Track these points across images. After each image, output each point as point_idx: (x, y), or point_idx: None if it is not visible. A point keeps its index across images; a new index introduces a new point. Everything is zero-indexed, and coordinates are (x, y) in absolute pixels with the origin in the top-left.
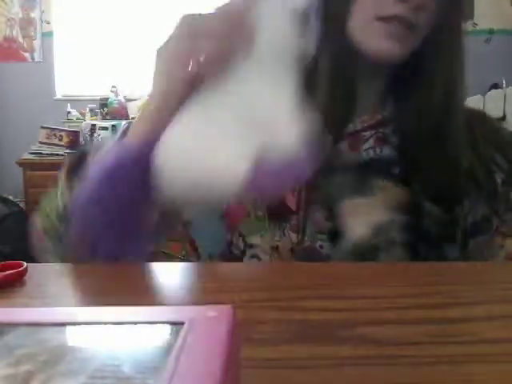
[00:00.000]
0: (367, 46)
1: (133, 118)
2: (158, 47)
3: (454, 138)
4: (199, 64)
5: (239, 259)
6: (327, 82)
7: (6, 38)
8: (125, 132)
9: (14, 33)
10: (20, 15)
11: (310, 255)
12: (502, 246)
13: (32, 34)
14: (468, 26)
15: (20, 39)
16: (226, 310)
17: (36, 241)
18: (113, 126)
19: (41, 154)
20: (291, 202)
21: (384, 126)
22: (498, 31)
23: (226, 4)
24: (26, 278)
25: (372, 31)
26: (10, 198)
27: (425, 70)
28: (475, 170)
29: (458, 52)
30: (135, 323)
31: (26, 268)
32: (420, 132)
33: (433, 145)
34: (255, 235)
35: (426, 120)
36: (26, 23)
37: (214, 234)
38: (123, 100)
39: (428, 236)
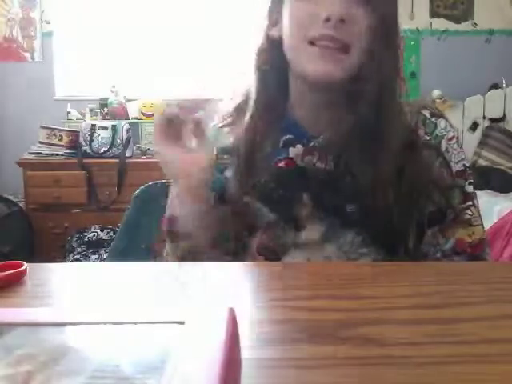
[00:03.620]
0: (304, 68)
1: (133, 118)
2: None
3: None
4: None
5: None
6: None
7: (6, 38)
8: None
9: (14, 33)
10: (20, 15)
11: None
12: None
13: (32, 33)
14: (468, 25)
15: (20, 39)
16: (226, 310)
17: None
18: (113, 125)
19: (41, 153)
20: None
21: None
22: (498, 31)
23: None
24: (26, 278)
25: (306, 54)
26: (10, 198)
27: (363, 94)
28: (430, 165)
29: (396, 78)
30: (135, 323)
31: (26, 268)
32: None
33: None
34: None
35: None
36: (26, 23)
37: None
38: (123, 100)
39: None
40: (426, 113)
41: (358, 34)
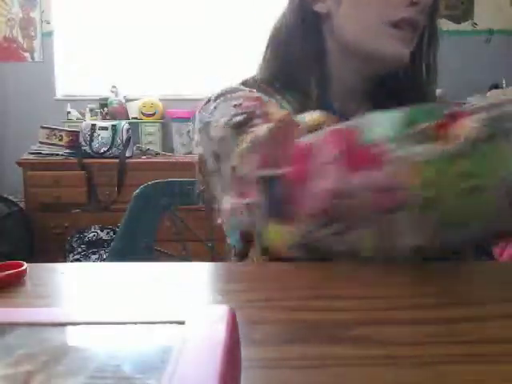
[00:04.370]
0: (382, 50)
1: (133, 118)
2: None
3: None
4: None
5: None
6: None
7: (6, 38)
8: None
9: (14, 33)
10: (20, 15)
11: None
12: None
13: (32, 34)
14: (468, 25)
15: (20, 39)
16: (226, 310)
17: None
18: (113, 125)
19: (41, 153)
20: None
21: None
22: (498, 31)
23: None
24: (26, 278)
25: (386, 36)
26: (10, 198)
27: (414, 71)
28: None
29: (436, 51)
30: (135, 323)
31: (26, 268)
32: None
33: None
34: None
35: None
36: (26, 23)
37: None
38: (123, 100)
39: None
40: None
41: (425, 20)
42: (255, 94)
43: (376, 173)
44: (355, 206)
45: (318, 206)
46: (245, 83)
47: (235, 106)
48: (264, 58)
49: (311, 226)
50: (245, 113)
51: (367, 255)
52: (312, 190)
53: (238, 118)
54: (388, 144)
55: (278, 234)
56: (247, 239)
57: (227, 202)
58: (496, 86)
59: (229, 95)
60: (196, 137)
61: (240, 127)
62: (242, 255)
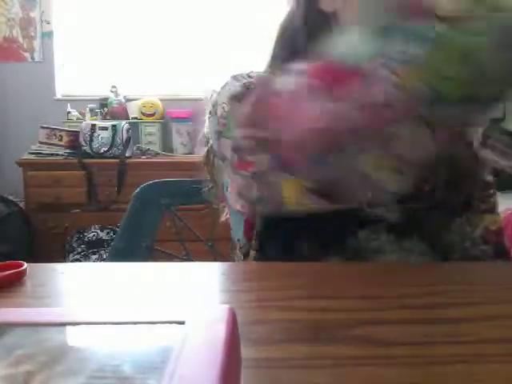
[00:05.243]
0: None
1: (133, 118)
2: None
3: None
4: None
5: None
6: None
7: (5, 38)
8: None
9: (14, 33)
10: (20, 15)
11: None
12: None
13: (32, 34)
14: None
15: (20, 39)
16: (226, 310)
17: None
18: (113, 125)
19: (41, 153)
20: None
21: None
22: None
23: None
24: (26, 278)
25: None
26: (10, 198)
27: None
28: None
29: None
30: (135, 323)
31: (26, 268)
32: None
33: None
34: None
35: None
36: (26, 23)
37: None
38: (123, 100)
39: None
40: None
41: None
42: (266, 74)
43: (359, 90)
44: (349, 131)
45: (311, 146)
46: None
47: (240, 81)
48: (273, 55)
49: (314, 168)
50: (244, 85)
51: (378, 178)
52: (303, 133)
53: (237, 90)
54: (364, 63)
55: (292, 190)
56: (250, 236)
57: (237, 181)
58: None
59: (240, 76)
60: (206, 122)
61: (238, 99)
62: (246, 251)
